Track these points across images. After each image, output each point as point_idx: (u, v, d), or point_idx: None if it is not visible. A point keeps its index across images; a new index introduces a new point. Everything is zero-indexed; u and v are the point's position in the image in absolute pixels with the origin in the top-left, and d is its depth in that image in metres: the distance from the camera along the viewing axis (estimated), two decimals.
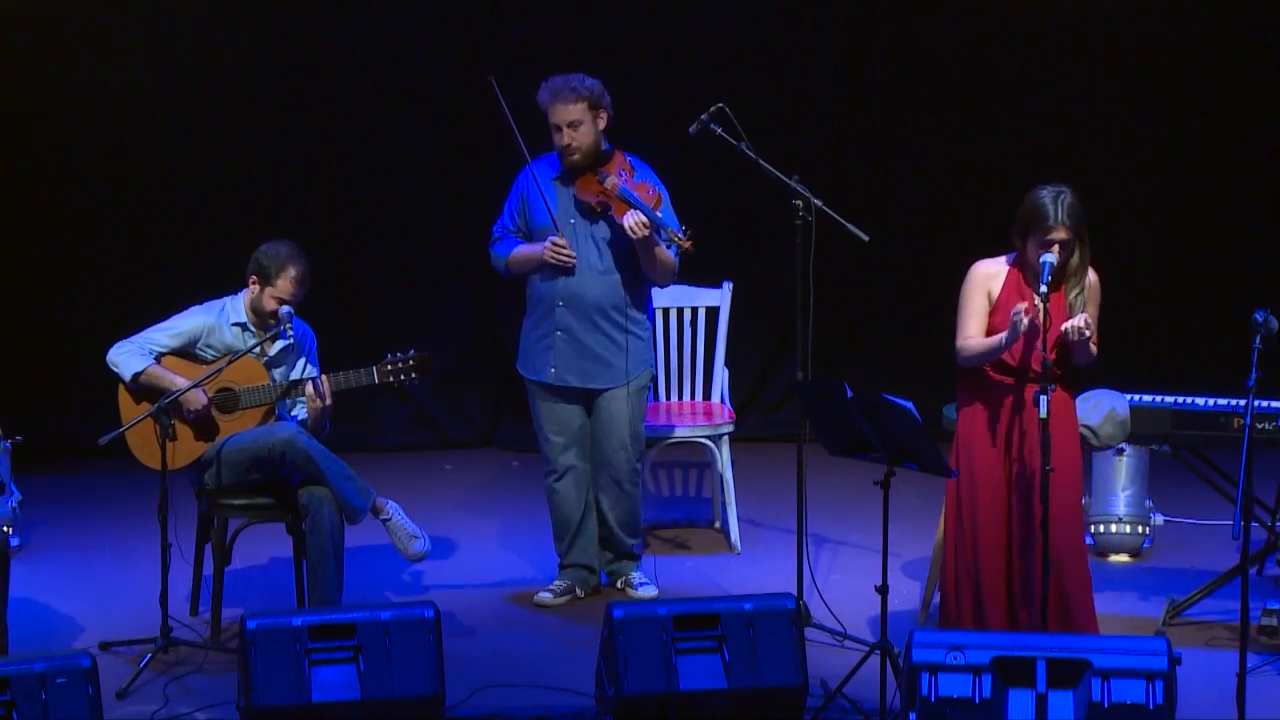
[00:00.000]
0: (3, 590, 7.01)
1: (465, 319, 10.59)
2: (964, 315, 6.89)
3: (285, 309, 7.60)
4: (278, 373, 7.63)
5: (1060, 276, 6.78)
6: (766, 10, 10.45)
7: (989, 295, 6.87)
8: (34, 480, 8.94)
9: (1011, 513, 6.84)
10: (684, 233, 7.65)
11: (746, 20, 10.43)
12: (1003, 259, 6.92)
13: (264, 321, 7.61)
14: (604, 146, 7.85)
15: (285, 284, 7.57)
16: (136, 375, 7.49)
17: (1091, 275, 6.88)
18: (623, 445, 7.92)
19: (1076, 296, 6.81)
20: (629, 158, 7.88)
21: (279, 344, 7.61)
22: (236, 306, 7.67)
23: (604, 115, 7.81)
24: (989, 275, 6.89)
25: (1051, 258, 6.72)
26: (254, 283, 7.61)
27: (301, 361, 7.70)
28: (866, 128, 10.59)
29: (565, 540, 8.07)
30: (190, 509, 7.70)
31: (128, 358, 7.52)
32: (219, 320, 7.64)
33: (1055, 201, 6.74)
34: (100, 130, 10.27)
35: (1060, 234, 6.73)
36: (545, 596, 8.05)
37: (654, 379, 8.33)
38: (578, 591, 8.08)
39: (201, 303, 7.71)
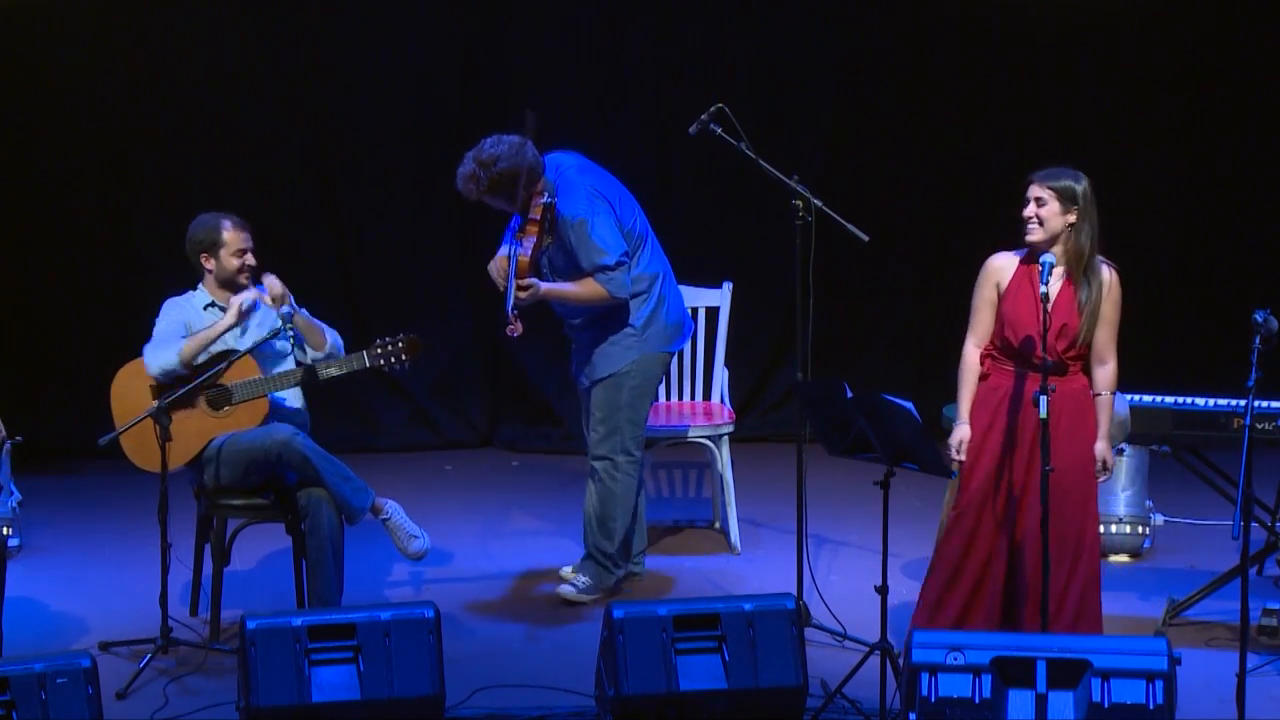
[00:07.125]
0: None
1: (465, 320, 10.58)
2: (973, 306, 6.96)
3: (285, 309, 7.58)
4: (268, 363, 7.64)
5: (1048, 243, 6.79)
6: (766, 8, 10.44)
7: (997, 286, 6.90)
8: (34, 480, 8.93)
9: (1021, 514, 6.85)
10: (511, 314, 7.62)
11: (746, 19, 10.42)
12: (1016, 252, 6.94)
13: (236, 288, 7.56)
14: (544, 188, 7.74)
15: (231, 235, 7.58)
16: (181, 354, 7.43)
17: (1109, 273, 6.86)
18: (591, 432, 7.98)
19: (1086, 291, 6.79)
20: (560, 177, 7.78)
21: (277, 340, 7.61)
22: (200, 293, 7.67)
23: (496, 186, 7.67)
24: (999, 268, 6.92)
25: (1051, 258, 6.73)
26: (206, 260, 7.61)
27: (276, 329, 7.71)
28: (867, 127, 10.58)
29: None
30: (190, 509, 7.70)
31: (163, 353, 7.45)
32: (188, 308, 7.64)
33: (1040, 170, 6.83)
34: (100, 133, 10.25)
35: (1031, 190, 6.78)
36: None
37: (619, 384, 7.95)
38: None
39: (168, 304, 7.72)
